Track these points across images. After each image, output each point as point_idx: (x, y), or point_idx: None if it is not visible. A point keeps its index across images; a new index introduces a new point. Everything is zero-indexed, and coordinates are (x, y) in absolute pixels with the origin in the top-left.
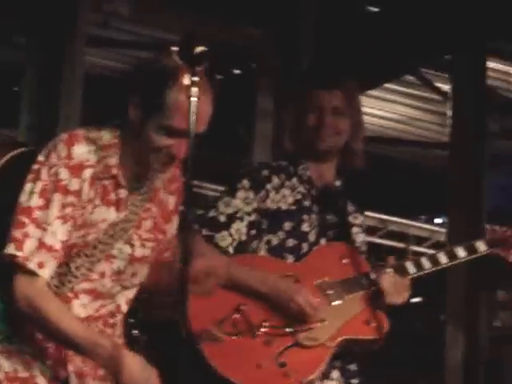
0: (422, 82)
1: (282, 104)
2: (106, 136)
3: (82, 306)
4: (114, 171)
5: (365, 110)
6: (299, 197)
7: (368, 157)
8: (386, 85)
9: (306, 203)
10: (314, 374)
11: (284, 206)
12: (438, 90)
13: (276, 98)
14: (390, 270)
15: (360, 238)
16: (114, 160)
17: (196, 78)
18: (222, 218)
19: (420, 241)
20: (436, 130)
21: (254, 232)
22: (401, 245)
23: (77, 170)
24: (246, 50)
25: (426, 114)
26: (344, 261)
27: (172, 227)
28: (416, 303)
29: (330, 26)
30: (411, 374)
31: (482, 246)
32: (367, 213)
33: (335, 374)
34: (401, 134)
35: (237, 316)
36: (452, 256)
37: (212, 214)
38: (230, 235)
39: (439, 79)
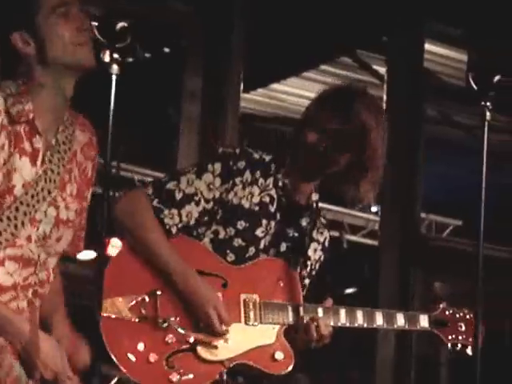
0: (359, 65)
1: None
2: (13, 86)
3: (7, 274)
4: (30, 115)
5: (300, 92)
6: (266, 200)
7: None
8: (322, 66)
9: (271, 208)
10: None
11: (246, 204)
12: (375, 73)
13: (204, 78)
14: (321, 313)
15: (316, 255)
16: (28, 105)
17: (116, 55)
18: (179, 195)
19: (355, 230)
20: None
21: (205, 219)
22: (335, 234)
23: None
24: (175, 28)
25: None
26: (281, 283)
27: (89, 195)
28: (351, 294)
29: (262, 4)
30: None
31: (424, 321)
32: None
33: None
34: None
35: (148, 300)
36: (389, 320)
37: (170, 186)
38: (179, 215)
39: (377, 62)
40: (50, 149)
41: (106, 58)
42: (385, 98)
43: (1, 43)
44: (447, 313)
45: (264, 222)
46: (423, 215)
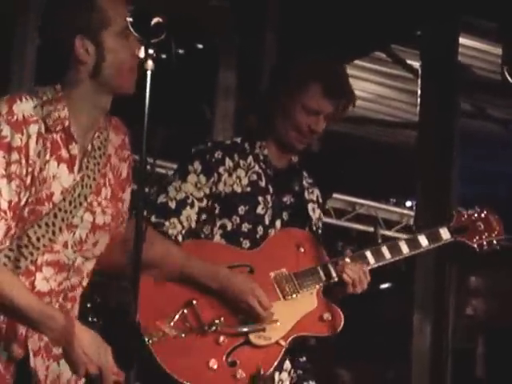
0: (393, 59)
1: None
2: (50, 91)
3: (44, 280)
4: (66, 123)
5: None
6: (254, 177)
7: (336, 137)
8: (356, 62)
9: (262, 184)
10: (265, 375)
11: (238, 189)
12: (409, 68)
13: (238, 74)
14: (349, 260)
15: (316, 214)
16: (64, 112)
17: (151, 51)
18: (172, 205)
19: (390, 224)
20: (407, 110)
21: (204, 217)
22: (370, 229)
23: (19, 125)
24: (209, 25)
25: (396, 93)
26: (301, 249)
27: (127, 196)
28: (387, 289)
29: (296, 0)
30: (380, 364)
31: (445, 234)
32: (335, 195)
33: (287, 365)
34: (371, 113)
35: (187, 312)
36: (414, 245)
37: (162, 199)
38: (180, 222)
39: (411, 56)
40: (86, 155)
41: (141, 54)
42: (419, 92)
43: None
44: (463, 218)
45: (260, 198)
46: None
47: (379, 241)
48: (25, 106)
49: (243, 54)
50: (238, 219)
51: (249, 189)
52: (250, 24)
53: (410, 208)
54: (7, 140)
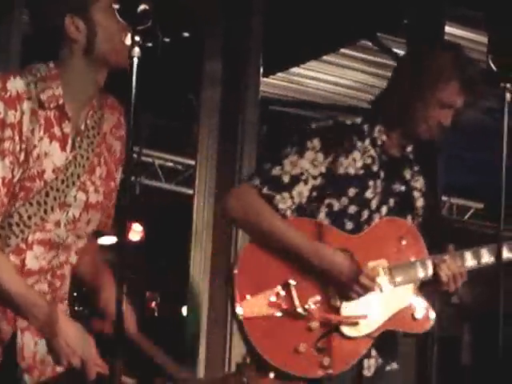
0: (380, 48)
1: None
2: (43, 69)
3: (35, 258)
4: (60, 101)
5: (320, 76)
6: (369, 161)
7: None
8: (343, 50)
9: (374, 168)
10: (350, 365)
11: (352, 171)
12: (396, 56)
13: (223, 62)
14: (447, 257)
15: (420, 202)
16: (58, 90)
17: (138, 38)
18: (286, 179)
19: None
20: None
21: (315, 194)
22: None
23: (13, 101)
24: (194, 12)
25: (383, 81)
26: (403, 241)
27: (119, 175)
28: None
29: None
30: None
31: (506, 253)
32: None
33: (373, 351)
34: (357, 101)
35: (284, 292)
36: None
37: (276, 171)
38: (291, 197)
39: (397, 45)
40: (80, 134)
41: (128, 41)
42: None
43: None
44: None
45: (371, 183)
46: (444, 198)
47: None
48: (18, 83)
49: (229, 42)
50: (346, 201)
51: (361, 172)
52: (236, 11)
53: None
54: (0, 116)
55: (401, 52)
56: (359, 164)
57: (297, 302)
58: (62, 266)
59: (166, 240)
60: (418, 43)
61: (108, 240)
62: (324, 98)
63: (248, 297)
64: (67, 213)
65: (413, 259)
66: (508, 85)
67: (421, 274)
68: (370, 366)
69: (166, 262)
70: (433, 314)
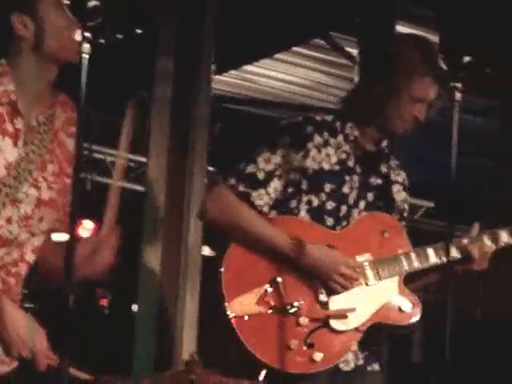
0: (332, 46)
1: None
2: None
3: None
4: (13, 97)
5: (272, 74)
6: (344, 156)
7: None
8: (296, 48)
9: (350, 163)
10: (340, 359)
11: (327, 166)
12: (347, 55)
13: (176, 59)
14: (431, 253)
15: (401, 196)
16: (10, 86)
17: (88, 34)
18: (261, 176)
19: None
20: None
21: (291, 190)
22: None
23: None
24: (146, 8)
25: (335, 80)
26: (386, 235)
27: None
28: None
29: None
30: None
31: (505, 237)
32: None
33: (354, 346)
34: (310, 100)
35: (272, 290)
36: (494, 239)
37: (251, 169)
38: (267, 194)
39: (350, 44)
40: (31, 130)
41: (78, 37)
42: (356, 79)
43: None
44: None
45: (347, 178)
46: None
47: None
48: None
49: (181, 39)
50: (324, 196)
51: (337, 167)
52: (189, 7)
53: None
54: None
55: (353, 51)
56: (334, 159)
57: (285, 299)
58: (17, 264)
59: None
60: (370, 42)
61: (59, 237)
62: (277, 96)
63: (236, 296)
64: (19, 209)
65: (397, 252)
66: (458, 84)
67: (405, 267)
68: (347, 361)
69: (118, 259)
70: (420, 305)
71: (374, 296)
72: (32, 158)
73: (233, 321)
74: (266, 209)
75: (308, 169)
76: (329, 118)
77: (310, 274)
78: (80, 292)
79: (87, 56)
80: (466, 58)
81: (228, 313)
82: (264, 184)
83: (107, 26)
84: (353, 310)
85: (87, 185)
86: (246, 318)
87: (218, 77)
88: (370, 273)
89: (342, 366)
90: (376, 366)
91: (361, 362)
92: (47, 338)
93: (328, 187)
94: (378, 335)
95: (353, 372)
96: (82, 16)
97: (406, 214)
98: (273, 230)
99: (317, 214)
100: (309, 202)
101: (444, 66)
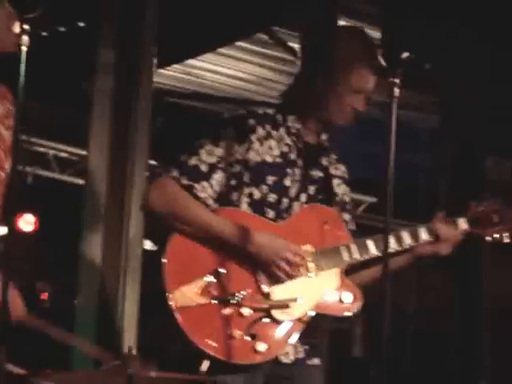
0: (275, 42)
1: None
2: None
3: None
4: None
5: (217, 68)
6: (286, 149)
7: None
8: (239, 43)
9: (292, 156)
10: (283, 350)
11: (269, 159)
12: (291, 50)
13: (117, 51)
14: (371, 246)
15: (341, 189)
16: None
17: (27, 27)
18: (204, 168)
19: None
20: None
21: (233, 183)
22: None
23: None
24: (90, 1)
25: (278, 75)
26: (327, 227)
27: (8, 165)
28: None
29: None
30: None
31: (463, 224)
32: None
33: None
34: (253, 94)
35: (214, 280)
36: (432, 233)
37: (193, 161)
38: (211, 186)
39: (293, 39)
40: None
41: (17, 29)
42: None
43: None
44: (479, 209)
45: (289, 170)
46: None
47: None
48: None
49: (123, 31)
50: (266, 189)
51: (279, 160)
52: (131, 0)
53: None
54: None
55: (296, 45)
56: (276, 152)
57: (228, 290)
58: None
59: (59, 230)
60: (312, 37)
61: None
62: (220, 90)
63: (179, 286)
64: None
65: (337, 244)
66: (396, 80)
67: (345, 258)
68: (287, 353)
69: (59, 253)
70: (361, 297)
71: (315, 287)
72: None
73: (175, 311)
74: (210, 201)
75: (250, 161)
76: (271, 111)
77: (254, 264)
78: (18, 285)
79: (26, 48)
80: (405, 54)
81: (170, 303)
82: (207, 176)
83: (49, 19)
84: (294, 299)
85: (28, 178)
86: (189, 308)
87: (161, 70)
88: (311, 264)
89: (281, 358)
90: (316, 360)
91: (301, 355)
92: None
93: (270, 180)
94: (319, 329)
95: (293, 365)
96: (21, 8)
97: (348, 207)
98: (218, 219)
99: (258, 206)
100: (250, 195)
101: (383, 62)
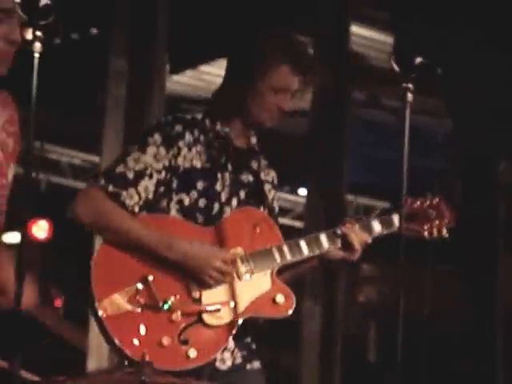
0: None
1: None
2: None
3: None
4: None
5: (221, 73)
6: (215, 153)
7: None
8: None
9: (221, 161)
10: (216, 354)
11: (198, 164)
12: None
13: (129, 59)
14: (304, 246)
15: (271, 194)
16: None
17: (39, 33)
18: (130, 175)
19: (283, 212)
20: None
21: (162, 190)
22: None
23: None
24: (100, 9)
25: None
26: (257, 229)
27: (10, 172)
28: None
29: None
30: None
31: (398, 220)
32: None
33: (230, 344)
34: None
35: (142, 287)
36: (368, 230)
37: (120, 169)
38: (138, 193)
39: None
40: None
41: (29, 36)
42: None
43: None
44: (415, 205)
45: (219, 175)
46: (351, 198)
47: None
48: None
49: (135, 39)
50: (195, 194)
51: (208, 165)
52: (141, 7)
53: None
54: None
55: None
56: (204, 157)
57: (157, 296)
58: None
59: (73, 237)
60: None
61: (13, 238)
62: None
63: (108, 295)
64: None
65: (269, 246)
66: (409, 85)
67: (277, 260)
68: (224, 359)
69: (73, 259)
70: (293, 298)
71: (247, 290)
72: None
73: (104, 320)
74: (136, 208)
75: (179, 167)
76: (199, 116)
77: (181, 270)
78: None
79: (38, 55)
80: (418, 59)
81: (100, 312)
82: (134, 183)
83: (62, 26)
84: (226, 303)
85: (41, 185)
86: (118, 317)
87: (174, 77)
88: (242, 267)
89: (218, 364)
90: (256, 364)
91: (239, 360)
92: None
93: (200, 185)
94: (257, 333)
95: (231, 371)
96: (34, 15)
97: (276, 213)
98: (141, 228)
99: (188, 212)
100: (180, 202)
101: (396, 67)
